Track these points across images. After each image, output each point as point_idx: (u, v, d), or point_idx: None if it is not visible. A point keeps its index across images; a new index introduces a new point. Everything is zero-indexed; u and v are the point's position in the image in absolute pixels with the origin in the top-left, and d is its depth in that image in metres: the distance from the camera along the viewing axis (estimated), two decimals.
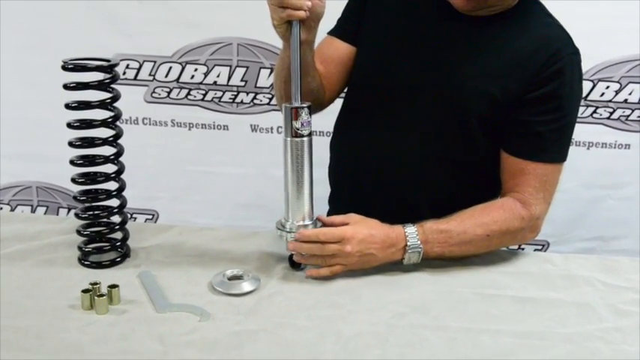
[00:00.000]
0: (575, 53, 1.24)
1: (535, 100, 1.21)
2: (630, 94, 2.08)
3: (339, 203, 1.44)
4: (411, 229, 1.16)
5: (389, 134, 1.30)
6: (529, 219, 1.22)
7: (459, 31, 1.26)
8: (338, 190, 1.45)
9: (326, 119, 1.42)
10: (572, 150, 2.04)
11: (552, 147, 1.24)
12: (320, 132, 1.98)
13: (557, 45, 1.22)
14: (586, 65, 1.98)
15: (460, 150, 1.28)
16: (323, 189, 1.44)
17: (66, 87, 1.09)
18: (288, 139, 1.10)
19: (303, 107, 1.09)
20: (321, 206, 1.41)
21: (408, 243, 1.15)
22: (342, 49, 1.37)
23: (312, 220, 1.15)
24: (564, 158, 1.26)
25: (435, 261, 1.19)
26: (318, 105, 1.36)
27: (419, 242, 1.15)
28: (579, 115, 2.06)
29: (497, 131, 1.26)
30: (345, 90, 1.42)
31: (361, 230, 1.14)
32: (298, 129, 1.09)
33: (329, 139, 1.45)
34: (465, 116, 1.25)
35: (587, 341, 0.98)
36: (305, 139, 1.10)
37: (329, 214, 1.44)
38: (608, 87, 2.07)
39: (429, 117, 1.27)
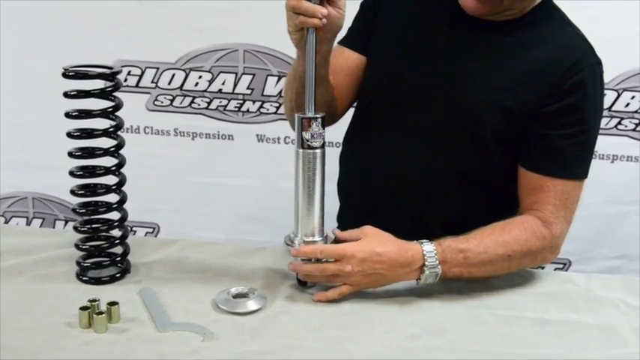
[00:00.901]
0: (598, 64, 1.23)
1: (555, 113, 1.21)
2: None
3: (347, 219, 1.44)
4: (429, 247, 1.13)
5: (399, 146, 1.30)
6: (550, 239, 1.21)
7: (473, 39, 1.26)
8: (347, 204, 1.45)
9: (336, 130, 1.42)
10: (596, 163, 2.03)
11: (574, 162, 1.23)
12: (329, 142, 2.00)
13: (578, 55, 1.21)
14: (610, 74, 2.01)
15: (473, 163, 1.28)
16: (332, 203, 1.45)
17: (66, 95, 1.10)
18: (299, 150, 1.11)
19: (315, 118, 1.10)
20: (329, 222, 1.42)
21: (426, 263, 1.12)
22: (353, 59, 1.37)
23: (322, 236, 1.15)
24: (586, 174, 1.25)
25: (450, 280, 1.18)
26: (329, 118, 1.35)
27: (437, 262, 1.13)
28: (603, 126, 2.07)
29: (513, 144, 1.25)
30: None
31: (364, 248, 1.12)
32: (308, 140, 1.10)
33: (338, 150, 1.45)
34: (479, 129, 1.24)
35: None
36: (317, 151, 1.10)
37: (341, 228, 1.43)
38: (633, 97, 2.07)
39: (441, 129, 1.27)
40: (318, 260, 1.12)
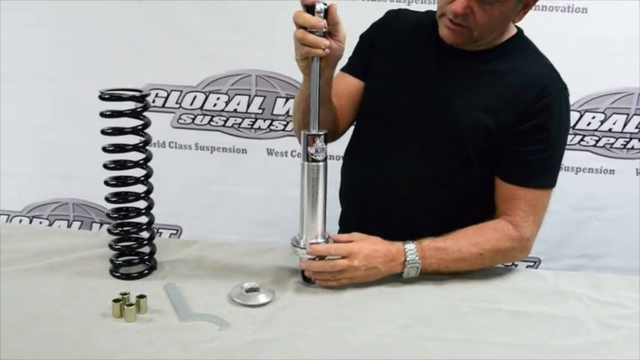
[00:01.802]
0: (563, 88, 1.23)
1: (526, 132, 1.21)
2: (614, 123, 2.08)
3: (348, 224, 1.43)
4: (410, 246, 1.16)
5: (393, 162, 1.30)
6: (519, 239, 1.22)
7: (456, 67, 1.26)
8: (347, 212, 1.44)
9: (338, 146, 1.42)
10: (562, 175, 2.04)
11: (541, 174, 1.24)
12: (333, 156, 2.00)
13: (545, 81, 1.22)
14: (574, 97, 2.00)
15: (458, 177, 1.27)
16: (334, 208, 1.45)
17: (102, 115, 1.10)
18: (305, 163, 1.10)
19: (319, 135, 1.09)
20: (331, 225, 1.42)
21: (407, 258, 1.15)
22: (353, 84, 1.37)
23: (325, 238, 1.14)
24: (553, 184, 1.26)
25: (436, 276, 1.18)
26: (332, 135, 1.36)
27: (417, 258, 1.15)
28: (568, 142, 2.07)
29: (492, 160, 1.25)
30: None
31: (366, 246, 1.14)
32: (313, 154, 1.09)
33: (339, 162, 1.45)
34: (462, 146, 1.24)
35: (577, 353, 0.97)
36: (320, 164, 1.10)
37: (339, 233, 1.43)
38: (594, 117, 2.07)
39: (429, 146, 1.27)
40: (322, 258, 1.12)
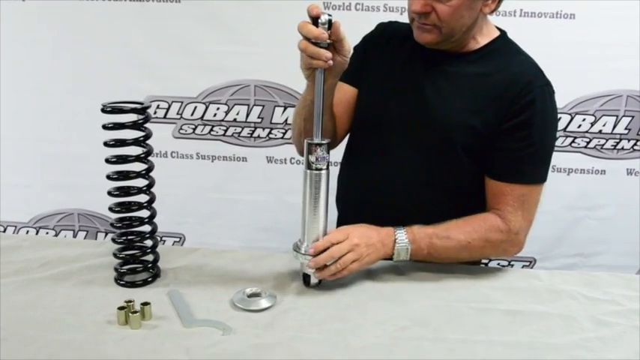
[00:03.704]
0: (547, 85, 1.24)
1: (511, 129, 1.21)
2: (604, 125, 2.08)
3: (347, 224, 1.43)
4: (399, 230, 1.18)
5: (386, 166, 1.32)
6: (507, 232, 1.22)
7: (442, 71, 1.28)
8: (344, 216, 1.45)
9: (335, 152, 1.42)
10: (555, 176, 2.05)
11: (528, 169, 1.24)
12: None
13: (528, 78, 1.22)
14: (565, 100, 2.02)
15: (450, 177, 1.28)
16: (331, 213, 1.44)
17: (105, 127, 1.10)
18: (307, 171, 1.10)
19: (320, 144, 1.09)
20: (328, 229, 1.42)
21: (397, 239, 1.17)
22: (349, 93, 1.38)
23: None
24: (543, 180, 1.25)
25: (433, 278, 1.19)
26: (331, 143, 1.36)
27: (406, 239, 1.17)
28: (560, 144, 2.08)
29: (480, 158, 1.26)
30: None
31: (358, 227, 1.17)
32: (314, 162, 1.09)
33: (337, 168, 1.45)
34: (451, 147, 1.25)
35: (572, 350, 0.97)
36: (322, 172, 1.09)
37: None
38: (584, 119, 2.07)
39: (420, 149, 1.28)
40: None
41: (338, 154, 1.44)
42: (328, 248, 1.11)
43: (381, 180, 1.32)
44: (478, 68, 1.26)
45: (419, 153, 1.28)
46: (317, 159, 1.09)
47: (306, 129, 1.20)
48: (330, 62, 1.07)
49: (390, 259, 1.19)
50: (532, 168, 1.24)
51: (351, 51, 1.15)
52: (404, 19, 1.32)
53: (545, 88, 1.23)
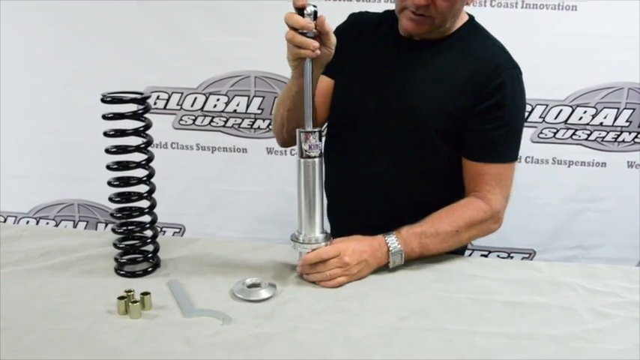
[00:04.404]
0: (514, 67, 1.28)
1: (483, 111, 1.25)
2: (605, 117, 2.08)
3: (335, 213, 1.47)
4: (390, 237, 1.18)
5: (365, 155, 1.34)
6: (490, 212, 1.26)
7: (414, 59, 1.31)
8: (332, 204, 1.46)
9: None
10: (554, 168, 2.05)
11: (502, 149, 1.28)
12: None
13: (497, 61, 1.26)
14: (566, 92, 2.01)
15: (427, 162, 1.31)
16: None
17: (104, 117, 1.10)
18: (300, 159, 1.11)
19: (313, 132, 1.10)
20: None
21: (390, 247, 1.16)
22: (326, 83, 1.40)
23: (323, 232, 1.14)
24: (515, 158, 1.31)
25: (433, 269, 1.19)
26: None
27: (399, 245, 1.17)
28: (561, 136, 2.09)
29: (456, 142, 1.29)
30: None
31: (351, 243, 1.16)
32: (307, 150, 1.10)
33: None
34: (426, 132, 1.28)
35: (571, 341, 0.97)
36: (315, 160, 1.11)
37: (330, 223, 1.47)
38: (585, 112, 2.07)
39: (397, 136, 1.31)
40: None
41: None
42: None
43: (360, 169, 1.35)
44: (449, 54, 1.29)
45: (395, 140, 1.31)
46: (310, 147, 1.10)
47: (290, 119, 1.24)
48: (318, 52, 1.09)
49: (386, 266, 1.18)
50: (505, 147, 1.29)
51: (335, 42, 1.15)
52: (375, 8, 1.31)
53: (513, 71, 1.27)
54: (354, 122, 1.35)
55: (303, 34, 1.07)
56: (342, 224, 1.42)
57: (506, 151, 1.29)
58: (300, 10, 1.07)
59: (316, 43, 1.08)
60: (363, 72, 1.35)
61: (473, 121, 1.26)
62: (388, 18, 1.36)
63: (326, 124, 1.45)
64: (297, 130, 1.11)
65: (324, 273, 1.12)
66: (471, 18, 1.35)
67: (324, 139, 1.43)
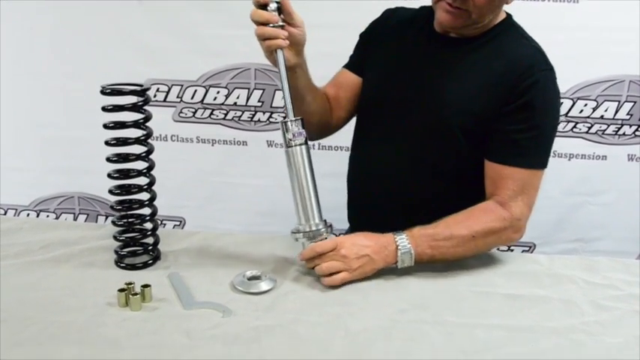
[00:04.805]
0: (549, 70, 1.22)
1: (512, 112, 1.20)
2: (606, 110, 2.07)
3: (354, 209, 1.46)
4: (400, 235, 1.13)
5: (389, 150, 1.32)
6: (510, 219, 1.18)
7: (444, 57, 1.28)
8: (353, 198, 1.46)
9: (343, 135, 1.47)
10: (555, 161, 2.04)
11: (529, 153, 1.21)
12: (338, 147, 1.98)
13: (530, 62, 1.21)
14: (567, 85, 2.01)
15: (448, 160, 1.28)
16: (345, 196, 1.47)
17: (104, 109, 1.10)
18: (287, 149, 1.11)
19: (294, 120, 1.10)
20: (342, 211, 1.45)
21: (398, 245, 1.12)
22: (351, 79, 1.40)
23: (322, 220, 1.12)
24: (543, 166, 1.23)
25: (433, 264, 1.18)
26: (324, 124, 1.38)
27: (408, 244, 1.12)
28: (561, 129, 2.08)
29: (479, 142, 1.25)
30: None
31: (350, 237, 1.14)
32: (291, 139, 1.10)
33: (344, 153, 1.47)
34: (450, 130, 1.25)
35: (571, 333, 0.97)
36: (300, 147, 1.10)
37: (349, 217, 1.47)
38: (586, 104, 2.06)
39: (420, 132, 1.28)
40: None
41: (343, 138, 1.47)
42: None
43: (381, 163, 1.33)
44: (482, 52, 1.25)
45: (418, 135, 1.28)
46: (294, 135, 1.10)
47: (301, 110, 1.20)
48: (287, 42, 1.12)
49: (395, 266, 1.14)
50: (532, 152, 1.22)
51: (303, 21, 1.16)
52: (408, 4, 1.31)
53: (547, 73, 1.21)
54: (378, 115, 1.34)
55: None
56: (359, 218, 1.42)
57: (532, 156, 1.21)
58: (263, 6, 1.11)
59: (285, 32, 1.11)
60: (392, 66, 1.34)
61: (499, 121, 1.21)
62: (423, 13, 1.34)
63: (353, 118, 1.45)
64: (280, 122, 1.12)
65: (321, 266, 1.09)
66: (509, 16, 1.30)
67: (351, 133, 1.44)
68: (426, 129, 1.27)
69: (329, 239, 1.12)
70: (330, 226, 1.14)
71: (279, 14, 1.12)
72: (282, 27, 1.12)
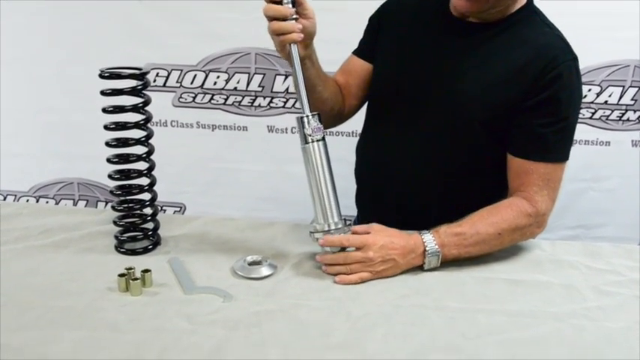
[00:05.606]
0: (574, 59, 1.17)
1: (536, 105, 1.15)
2: (610, 96, 2.06)
3: (363, 201, 1.43)
4: (427, 236, 1.10)
5: (402, 140, 1.28)
6: (535, 215, 1.16)
7: (462, 43, 1.22)
8: (362, 189, 1.43)
9: (351, 122, 1.45)
10: None
11: (554, 147, 1.18)
12: (345, 132, 1.97)
13: (555, 52, 1.16)
14: None
15: (465, 153, 1.23)
16: (353, 187, 1.45)
17: (103, 93, 1.09)
18: (305, 146, 1.07)
19: (313, 115, 1.07)
20: (347, 201, 1.41)
21: (427, 248, 1.09)
22: (360, 65, 1.36)
23: (341, 219, 1.09)
24: (566, 158, 1.20)
25: None
26: (337, 113, 1.34)
27: (436, 246, 1.09)
28: None
29: (501, 136, 1.21)
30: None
31: (381, 238, 1.09)
32: (310, 135, 1.07)
33: (351, 139, 1.44)
34: (468, 122, 1.20)
35: (573, 319, 0.97)
36: (316, 143, 1.07)
37: (357, 204, 1.44)
38: (590, 90, 2.05)
39: (435, 123, 1.23)
40: (343, 250, 1.09)
41: (351, 125, 1.46)
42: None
43: (396, 154, 1.29)
44: (502, 40, 1.20)
45: (433, 126, 1.24)
46: (313, 130, 1.07)
47: (312, 99, 1.14)
48: (302, 35, 1.08)
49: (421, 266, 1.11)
50: (558, 145, 1.18)
51: (314, 11, 1.12)
52: None
53: (571, 63, 1.17)
54: (392, 103, 1.29)
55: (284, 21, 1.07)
56: (368, 213, 1.38)
57: (557, 149, 1.18)
58: (278, 2, 1.07)
59: (300, 26, 1.07)
60: (405, 51, 1.28)
61: (523, 115, 1.16)
62: None
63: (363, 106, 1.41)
64: (296, 118, 1.08)
65: (344, 267, 1.07)
66: (530, 1, 1.23)
67: (362, 123, 1.41)
68: (442, 120, 1.22)
69: (357, 235, 1.09)
70: (350, 225, 1.12)
71: (293, 6, 1.08)
72: (295, 19, 1.08)
